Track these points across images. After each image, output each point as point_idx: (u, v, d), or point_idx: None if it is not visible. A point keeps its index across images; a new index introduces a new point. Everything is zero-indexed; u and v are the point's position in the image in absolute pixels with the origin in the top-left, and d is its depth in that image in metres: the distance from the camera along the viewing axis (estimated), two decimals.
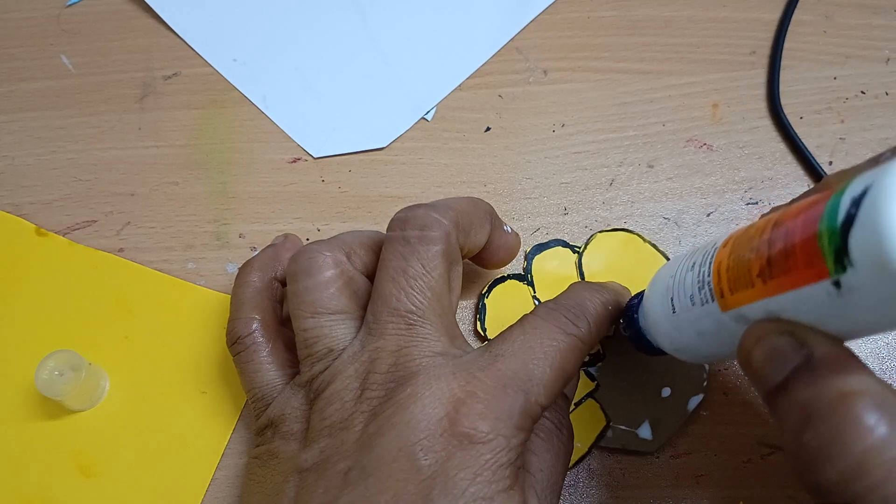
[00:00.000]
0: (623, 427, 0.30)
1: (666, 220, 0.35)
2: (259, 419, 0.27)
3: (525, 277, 0.33)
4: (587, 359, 0.31)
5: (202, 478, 0.30)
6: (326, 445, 0.23)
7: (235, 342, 0.29)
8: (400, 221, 0.25)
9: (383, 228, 0.35)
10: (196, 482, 0.30)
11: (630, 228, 0.34)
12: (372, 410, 0.23)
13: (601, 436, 0.30)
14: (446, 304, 0.25)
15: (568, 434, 0.25)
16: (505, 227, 0.29)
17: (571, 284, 0.27)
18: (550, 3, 0.40)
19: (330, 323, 0.25)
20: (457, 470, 0.21)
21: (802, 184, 0.36)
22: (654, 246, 0.33)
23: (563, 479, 0.25)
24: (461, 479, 0.20)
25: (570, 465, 0.30)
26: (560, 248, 0.34)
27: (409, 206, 0.26)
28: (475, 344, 0.32)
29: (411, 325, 0.24)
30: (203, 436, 0.31)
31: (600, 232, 0.34)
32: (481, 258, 0.29)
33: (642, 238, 0.34)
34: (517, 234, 0.30)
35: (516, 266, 0.34)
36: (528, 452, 0.24)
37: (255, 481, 0.26)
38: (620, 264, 0.33)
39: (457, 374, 0.22)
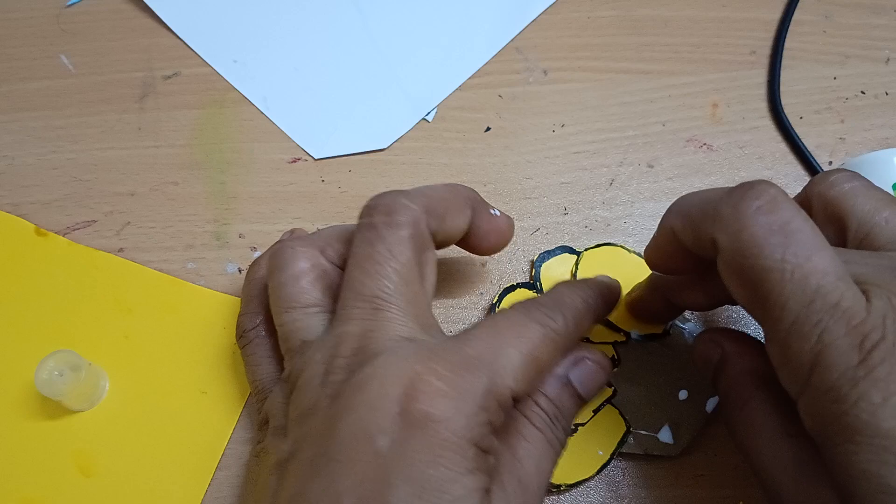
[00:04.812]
0: (644, 432, 0.30)
1: None
2: (259, 414, 0.27)
3: (534, 286, 0.33)
4: None
5: (202, 478, 0.30)
6: (298, 434, 0.23)
7: (241, 336, 0.29)
8: (368, 208, 0.25)
9: None
10: (196, 482, 0.30)
11: (613, 241, 0.34)
12: (334, 393, 0.22)
13: (622, 442, 0.30)
14: (416, 290, 0.24)
15: (563, 431, 0.25)
16: (493, 211, 0.29)
17: (554, 285, 0.27)
18: (550, 3, 0.40)
19: (303, 316, 0.25)
20: (415, 451, 0.20)
21: (802, 184, 0.35)
22: (639, 255, 0.33)
23: (553, 469, 0.24)
24: (420, 460, 0.20)
25: (593, 473, 0.30)
26: (567, 254, 0.34)
27: (380, 193, 0.26)
28: None
29: (377, 308, 0.23)
30: (203, 436, 0.31)
31: (586, 250, 0.34)
32: (470, 244, 0.29)
33: (626, 249, 0.34)
34: (508, 217, 0.30)
35: (524, 274, 0.34)
36: (518, 437, 0.23)
37: (252, 479, 0.26)
38: (614, 276, 0.33)
39: (419, 353, 0.22)
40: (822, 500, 0.20)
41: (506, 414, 0.22)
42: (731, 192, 0.22)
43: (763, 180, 0.21)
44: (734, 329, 0.26)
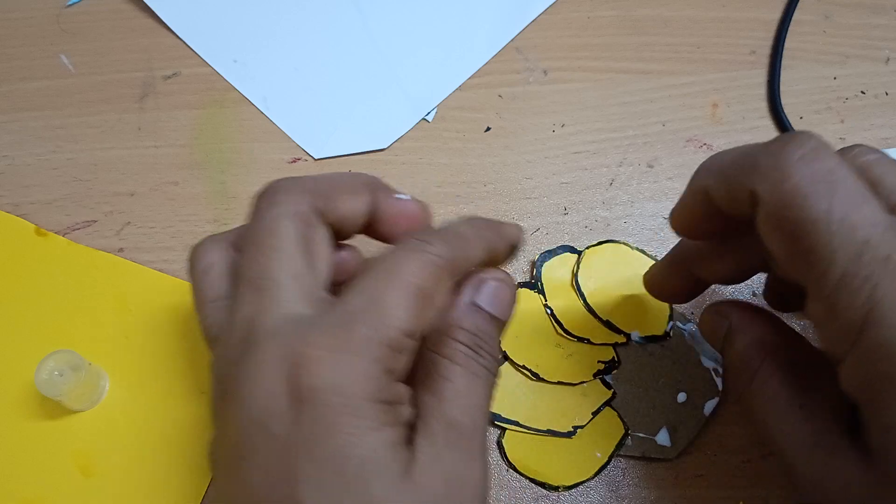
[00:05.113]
0: (642, 434, 0.30)
1: (666, 220, 0.35)
2: None
3: (535, 286, 0.33)
4: (602, 367, 0.31)
5: (202, 478, 0.30)
6: (213, 437, 0.22)
7: None
8: (254, 196, 0.25)
9: None
10: (196, 482, 0.30)
11: (615, 238, 0.34)
12: (224, 390, 0.22)
13: (620, 444, 0.30)
14: (300, 266, 0.23)
15: (489, 356, 0.23)
16: (399, 196, 0.28)
17: None
18: (550, 3, 0.40)
19: (213, 311, 0.25)
20: (311, 426, 0.19)
21: None
22: (642, 251, 0.33)
23: (489, 404, 0.23)
24: (318, 434, 0.19)
25: (591, 475, 0.30)
26: (567, 254, 0.34)
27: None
28: None
29: (260, 289, 0.22)
30: (203, 436, 0.31)
31: (587, 248, 0.34)
32: (380, 232, 0.28)
33: (630, 246, 0.34)
34: (419, 202, 0.28)
35: (525, 274, 0.34)
36: (440, 380, 0.22)
37: None
38: (616, 275, 0.33)
39: (298, 329, 0.21)
40: (838, 471, 0.20)
41: (408, 356, 0.21)
42: (770, 142, 0.21)
43: (804, 131, 0.21)
44: (740, 300, 0.26)
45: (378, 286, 0.21)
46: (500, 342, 0.24)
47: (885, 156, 0.24)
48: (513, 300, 0.25)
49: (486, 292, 0.24)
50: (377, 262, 0.22)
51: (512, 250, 0.26)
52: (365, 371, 0.20)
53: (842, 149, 0.24)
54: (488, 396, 0.23)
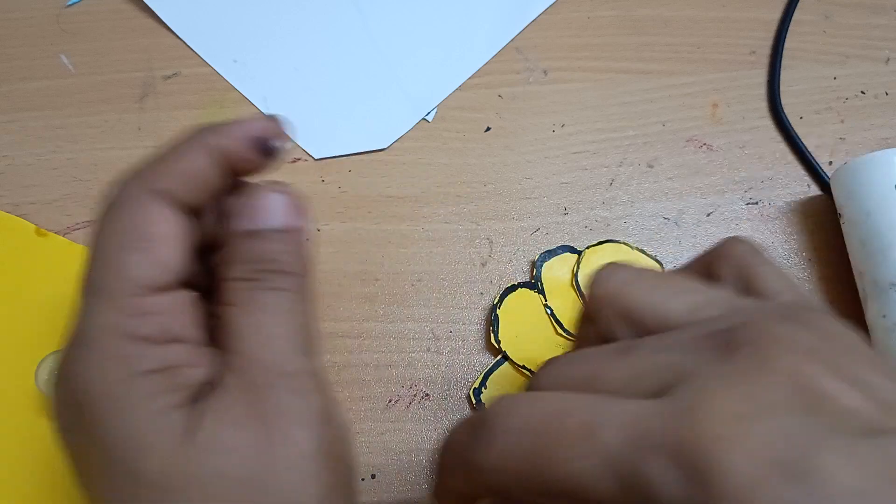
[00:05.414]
0: None
1: (666, 220, 0.35)
2: None
3: (535, 286, 0.33)
4: None
5: None
6: None
7: None
8: None
9: (384, 229, 0.35)
10: None
11: (615, 238, 0.34)
12: None
13: None
14: (119, 257, 0.20)
15: (283, 273, 0.20)
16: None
17: None
18: (550, 3, 0.40)
19: None
20: (86, 428, 0.19)
21: (802, 184, 0.36)
22: (642, 251, 0.33)
23: (298, 325, 0.20)
24: (91, 432, 0.19)
25: None
26: (567, 254, 0.34)
27: None
28: (490, 359, 0.32)
29: (84, 298, 0.21)
30: None
31: (587, 248, 0.34)
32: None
33: (630, 246, 0.34)
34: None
35: (525, 274, 0.34)
36: (227, 332, 0.20)
37: None
38: None
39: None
40: None
41: (164, 312, 0.20)
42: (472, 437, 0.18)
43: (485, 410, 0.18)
44: None
45: (106, 253, 0.20)
46: (299, 249, 0.21)
47: (630, 272, 0.21)
48: (288, 202, 0.21)
49: (248, 213, 0.21)
50: (97, 226, 0.20)
51: (262, 146, 0.22)
52: (106, 353, 0.19)
53: (592, 278, 0.21)
54: (292, 317, 0.20)
